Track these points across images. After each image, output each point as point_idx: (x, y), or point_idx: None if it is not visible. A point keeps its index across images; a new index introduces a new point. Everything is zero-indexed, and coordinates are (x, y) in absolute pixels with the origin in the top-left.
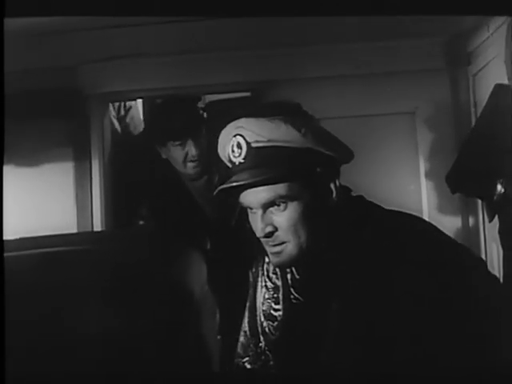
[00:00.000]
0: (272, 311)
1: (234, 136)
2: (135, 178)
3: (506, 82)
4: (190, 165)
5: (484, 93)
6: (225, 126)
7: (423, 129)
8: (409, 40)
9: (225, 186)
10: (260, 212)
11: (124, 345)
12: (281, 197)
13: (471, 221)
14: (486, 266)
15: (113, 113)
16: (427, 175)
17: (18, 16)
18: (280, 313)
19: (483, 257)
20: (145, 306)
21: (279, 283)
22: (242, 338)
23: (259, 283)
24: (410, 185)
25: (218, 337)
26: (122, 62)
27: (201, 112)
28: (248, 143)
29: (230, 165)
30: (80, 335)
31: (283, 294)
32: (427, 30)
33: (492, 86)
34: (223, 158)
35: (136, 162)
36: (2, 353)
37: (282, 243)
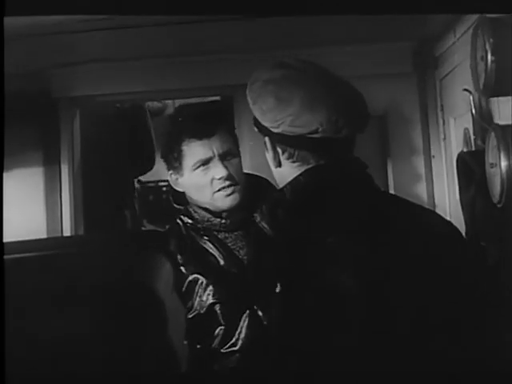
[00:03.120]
0: None
1: None
2: (105, 183)
3: (471, 87)
4: None
5: (450, 97)
6: None
7: (393, 131)
8: (377, 44)
9: None
10: None
11: (91, 349)
12: None
13: None
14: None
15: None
16: (395, 177)
17: (19, 15)
18: None
19: None
20: (112, 311)
21: None
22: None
23: None
24: (381, 188)
25: (185, 342)
26: (92, 66)
27: None
28: None
29: None
30: (49, 340)
31: None
32: (396, 34)
33: (458, 91)
34: None
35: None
36: (1, 353)
37: None
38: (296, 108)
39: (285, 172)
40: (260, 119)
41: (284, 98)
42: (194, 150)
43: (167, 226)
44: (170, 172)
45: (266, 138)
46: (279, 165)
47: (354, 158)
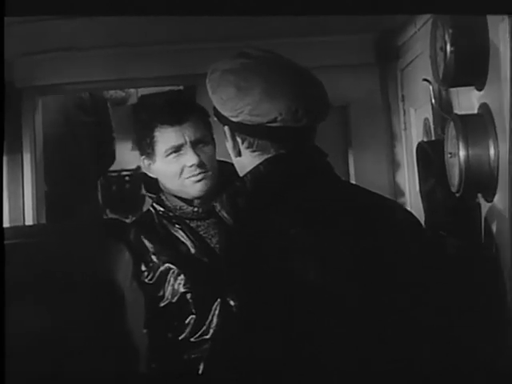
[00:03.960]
0: None
1: None
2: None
3: (431, 77)
4: None
5: (411, 87)
6: None
7: (355, 122)
8: (339, 35)
9: None
10: None
11: (52, 341)
12: None
13: None
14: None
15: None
16: (357, 167)
17: (19, 15)
18: None
19: None
20: (71, 301)
21: None
22: None
23: None
24: (342, 177)
25: (144, 330)
26: (54, 56)
27: None
28: None
29: None
30: (8, 333)
31: None
32: (357, 25)
33: (419, 81)
34: None
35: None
36: (1, 353)
37: None
38: (255, 97)
39: (245, 161)
40: (219, 108)
41: (243, 87)
42: (166, 136)
43: (130, 216)
44: (143, 157)
45: (226, 128)
46: (239, 154)
47: (314, 146)
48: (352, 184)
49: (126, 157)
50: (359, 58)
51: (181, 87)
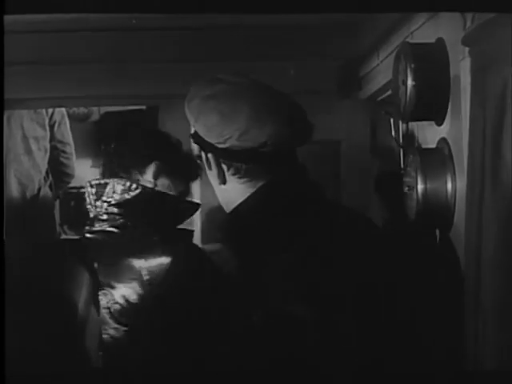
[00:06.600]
0: None
1: None
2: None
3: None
4: None
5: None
6: None
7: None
8: (302, 61)
9: None
10: None
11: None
12: None
13: None
14: None
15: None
16: None
17: (19, 13)
18: None
19: None
20: (30, 320)
21: None
22: None
23: None
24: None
25: (100, 353)
26: (18, 69)
27: None
28: None
29: None
30: None
31: None
32: (320, 52)
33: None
34: None
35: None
36: (1, 353)
37: None
38: (242, 123)
39: (229, 188)
40: (204, 136)
41: (227, 113)
42: None
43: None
44: None
45: (210, 155)
46: (223, 182)
47: (303, 167)
48: (342, 206)
49: (86, 173)
50: (321, 85)
51: (143, 107)
